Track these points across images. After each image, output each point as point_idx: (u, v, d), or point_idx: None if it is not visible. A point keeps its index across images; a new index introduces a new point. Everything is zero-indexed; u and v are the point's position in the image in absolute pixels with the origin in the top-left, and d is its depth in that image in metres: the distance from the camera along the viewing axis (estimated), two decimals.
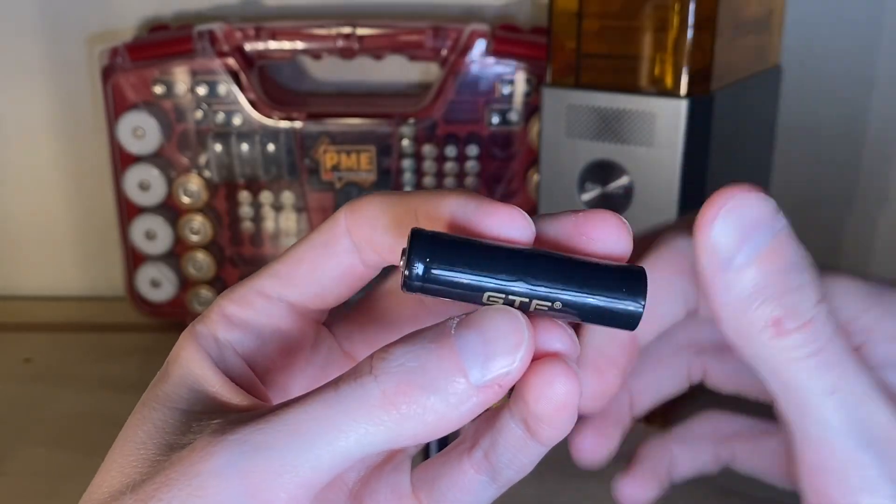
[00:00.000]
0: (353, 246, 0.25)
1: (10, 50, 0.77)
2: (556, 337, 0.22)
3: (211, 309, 0.27)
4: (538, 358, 0.22)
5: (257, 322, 0.26)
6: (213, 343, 0.26)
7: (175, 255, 0.72)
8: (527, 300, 0.22)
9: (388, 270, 0.26)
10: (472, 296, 0.22)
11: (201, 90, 0.67)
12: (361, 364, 0.21)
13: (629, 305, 0.22)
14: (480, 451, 0.26)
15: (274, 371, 0.27)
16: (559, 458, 0.55)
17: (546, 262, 0.22)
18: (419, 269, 0.21)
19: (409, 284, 0.21)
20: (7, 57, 0.77)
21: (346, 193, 0.70)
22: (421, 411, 0.20)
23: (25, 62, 0.77)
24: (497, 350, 0.21)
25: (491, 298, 0.22)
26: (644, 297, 0.22)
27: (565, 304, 0.22)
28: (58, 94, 0.78)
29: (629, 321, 0.22)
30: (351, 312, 0.28)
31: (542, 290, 0.21)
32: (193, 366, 0.25)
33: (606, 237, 0.23)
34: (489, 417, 0.25)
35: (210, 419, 0.22)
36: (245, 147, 0.68)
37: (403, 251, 0.22)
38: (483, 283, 0.21)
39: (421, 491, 0.26)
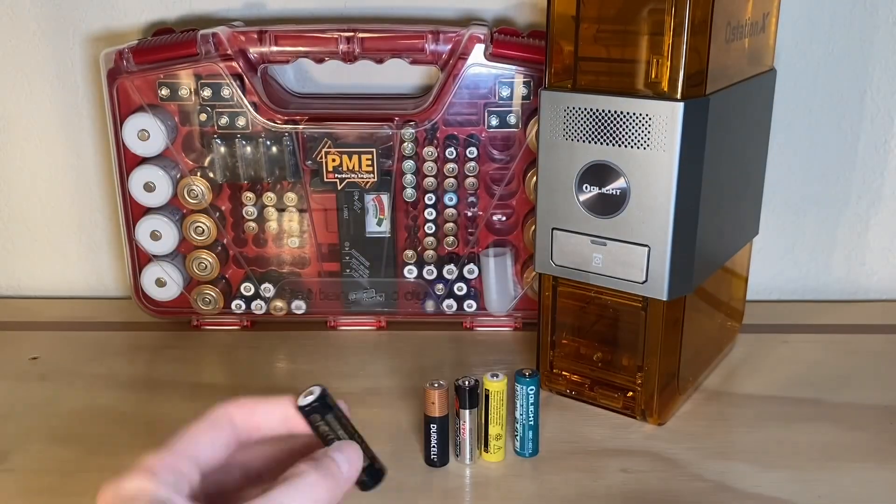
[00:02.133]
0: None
1: (16, 53, 0.78)
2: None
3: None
4: None
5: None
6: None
7: (180, 255, 0.73)
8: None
9: None
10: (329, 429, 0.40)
11: (205, 93, 0.68)
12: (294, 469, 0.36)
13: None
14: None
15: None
16: (557, 456, 0.56)
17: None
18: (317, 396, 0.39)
19: (309, 405, 0.39)
20: (13, 60, 0.78)
21: (347, 194, 0.70)
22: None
23: (31, 65, 0.78)
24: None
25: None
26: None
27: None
28: (63, 97, 0.79)
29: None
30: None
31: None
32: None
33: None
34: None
35: None
36: (248, 149, 0.69)
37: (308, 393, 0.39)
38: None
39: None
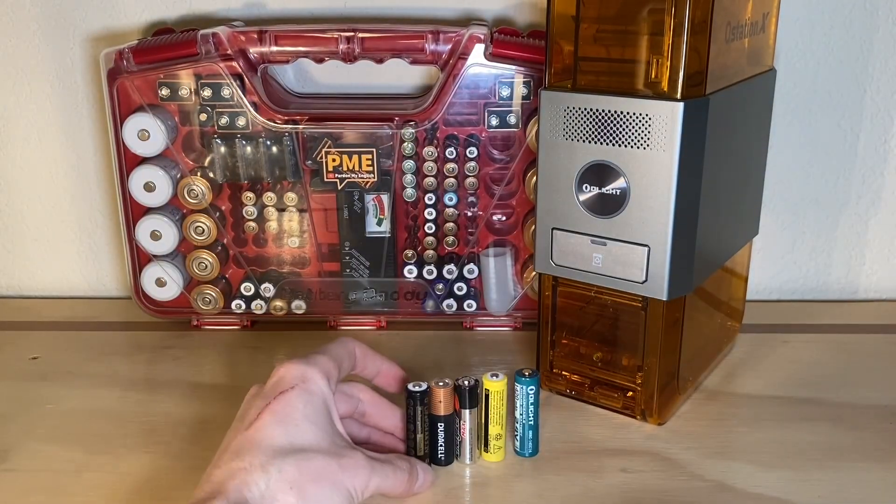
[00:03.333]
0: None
1: (16, 53, 0.78)
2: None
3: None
4: None
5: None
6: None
7: (180, 255, 0.73)
8: None
9: None
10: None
11: (205, 93, 0.68)
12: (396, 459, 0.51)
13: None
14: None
15: None
16: (557, 456, 0.56)
17: None
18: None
19: (413, 392, 0.53)
20: (13, 60, 0.78)
21: (347, 194, 0.70)
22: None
23: (31, 65, 0.78)
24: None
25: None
26: None
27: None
28: (63, 97, 0.79)
29: None
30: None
31: None
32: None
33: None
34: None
35: None
36: (248, 149, 0.69)
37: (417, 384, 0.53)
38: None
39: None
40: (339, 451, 0.46)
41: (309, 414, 0.47)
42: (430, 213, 0.71)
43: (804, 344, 0.71)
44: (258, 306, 0.73)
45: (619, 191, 0.54)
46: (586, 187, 0.55)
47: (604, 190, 0.55)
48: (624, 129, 0.53)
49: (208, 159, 0.70)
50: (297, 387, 0.47)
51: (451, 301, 0.73)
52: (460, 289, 0.73)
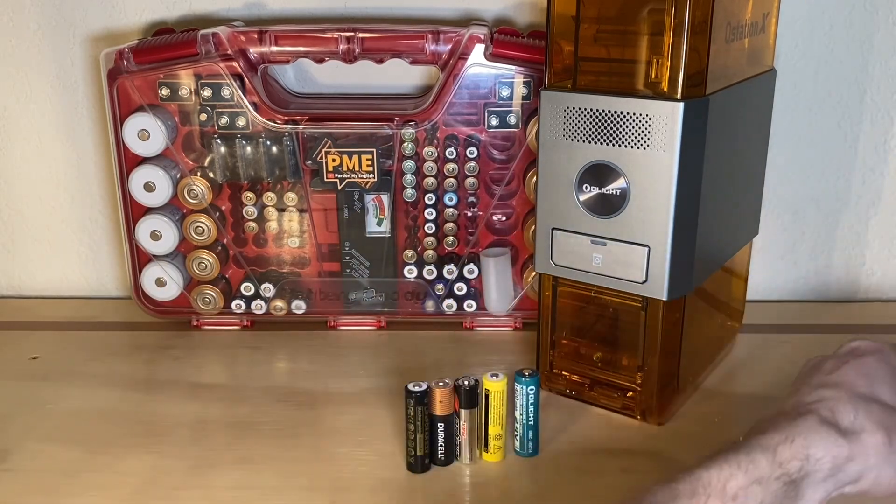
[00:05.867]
0: None
1: (16, 52, 0.78)
2: None
3: None
4: None
5: None
6: None
7: (180, 255, 0.73)
8: None
9: None
10: None
11: (206, 93, 0.68)
12: None
13: None
14: None
15: None
16: (557, 456, 0.56)
17: None
18: None
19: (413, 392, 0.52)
20: (13, 59, 0.78)
21: (347, 194, 0.70)
22: None
23: (31, 64, 0.78)
24: None
25: None
26: None
27: None
28: (63, 97, 0.79)
29: None
30: None
31: None
32: None
33: None
34: None
35: None
36: (248, 149, 0.69)
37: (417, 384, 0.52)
38: None
39: None
40: None
41: (887, 378, 0.48)
42: (430, 214, 0.71)
43: (804, 344, 0.71)
44: (258, 306, 0.74)
45: (619, 191, 0.54)
46: (586, 187, 0.55)
47: (604, 190, 0.55)
48: (624, 130, 0.53)
49: (208, 159, 0.70)
50: (877, 354, 0.49)
51: (451, 301, 0.73)
52: (460, 289, 0.73)
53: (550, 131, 0.56)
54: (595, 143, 0.54)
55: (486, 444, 0.55)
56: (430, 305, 0.73)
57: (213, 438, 0.58)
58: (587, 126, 0.54)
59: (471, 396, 0.53)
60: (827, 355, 0.52)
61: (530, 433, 0.55)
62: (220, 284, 0.73)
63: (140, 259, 0.73)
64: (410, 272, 0.72)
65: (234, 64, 0.68)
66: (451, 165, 0.69)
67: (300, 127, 0.68)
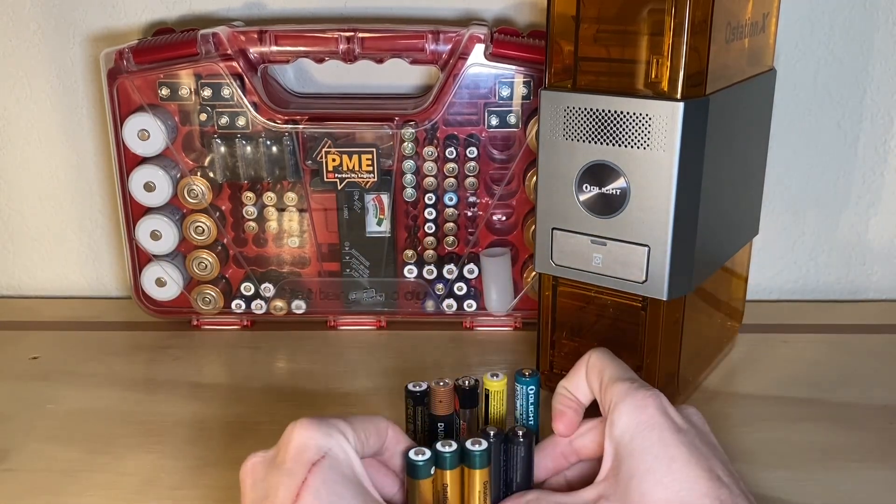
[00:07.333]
0: None
1: (16, 53, 0.78)
2: None
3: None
4: None
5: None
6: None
7: (180, 255, 0.73)
8: None
9: None
10: None
11: (205, 93, 0.68)
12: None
13: None
14: None
15: None
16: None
17: None
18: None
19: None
20: (13, 60, 0.78)
21: (347, 194, 0.70)
22: None
23: (31, 64, 0.78)
24: None
25: None
26: None
27: None
28: (63, 97, 0.79)
29: None
30: None
31: None
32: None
33: None
34: None
35: None
36: (248, 149, 0.69)
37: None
38: None
39: None
40: None
41: (349, 487, 0.41)
42: (430, 213, 0.71)
43: (804, 344, 0.71)
44: (258, 306, 0.74)
45: (619, 191, 0.54)
46: (586, 187, 0.55)
47: (604, 190, 0.55)
48: (624, 129, 0.53)
49: (208, 159, 0.70)
50: (327, 456, 0.41)
51: (451, 301, 0.73)
52: (460, 289, 0.73)
53: (550, 131, 0.56)
54: (595, 142, 0.54)
55: None
56: (430, 305, 0.74)
57: (213, 438, 0.58)
58: (587, 126, 0.54)
59: (471, 396, 0.53)
60: (265, 455, 0.43)
61: None
62: (220, 284, 0.73)
63: (140, 259, 0.73)
64: (410, 272, 0.72)
65: (234, 64, 0.68)
66: (451, 165, 0.69)
67: (300, 127, 0.69)
